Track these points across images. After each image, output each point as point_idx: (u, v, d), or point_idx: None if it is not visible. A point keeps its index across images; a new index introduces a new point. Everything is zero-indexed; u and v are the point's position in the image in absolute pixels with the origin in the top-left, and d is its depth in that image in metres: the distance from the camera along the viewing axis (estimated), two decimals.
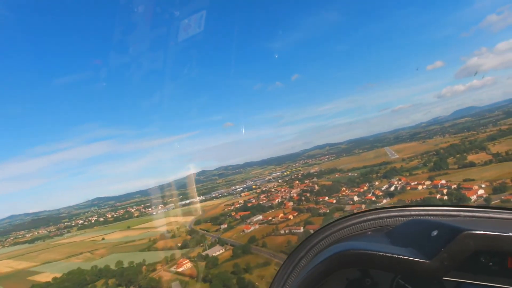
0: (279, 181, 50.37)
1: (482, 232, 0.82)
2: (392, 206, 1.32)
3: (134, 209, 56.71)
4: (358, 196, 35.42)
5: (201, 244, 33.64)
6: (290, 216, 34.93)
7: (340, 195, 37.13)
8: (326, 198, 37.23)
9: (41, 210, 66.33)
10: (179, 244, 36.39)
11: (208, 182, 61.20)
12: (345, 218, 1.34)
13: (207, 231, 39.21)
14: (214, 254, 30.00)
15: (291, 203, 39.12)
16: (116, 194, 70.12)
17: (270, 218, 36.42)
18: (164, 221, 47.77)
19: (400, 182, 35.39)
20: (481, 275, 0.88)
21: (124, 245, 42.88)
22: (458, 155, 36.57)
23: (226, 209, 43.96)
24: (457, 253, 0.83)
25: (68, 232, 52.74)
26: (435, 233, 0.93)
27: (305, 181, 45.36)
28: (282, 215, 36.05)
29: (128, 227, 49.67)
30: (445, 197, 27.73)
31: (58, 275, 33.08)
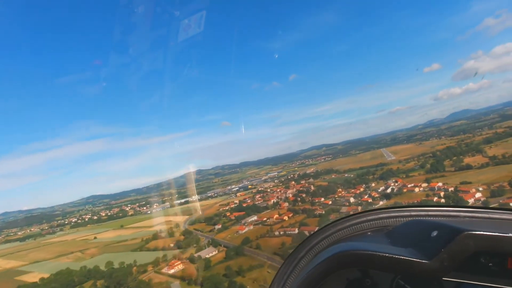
0: (275, 181, 50.09)
1: (482, 232, 0.82)
2: (392, 206, 1.29)
3: (129, 207, 56.13)
4: (354, 197, 35.10)
5: (194, 245, 33.04)
6: (285, 217, 34.50)
7: (336, 196, 36.80)
8: (322, 199, 36.87)
9: (35, 207, 65.45)
10: (172, 245, 35.74)
11: (204, 181, 60.69)
12: (345, 219, 1.32)
13: (201, 231, 38.63)
14: (207, 256, 29.38)
15: (286, 204, 38.73)
16: (111, 192, 69.22)
17: (265, 219, 35.94)
18: (158, 220, 47.08)
19: (396, 184, 35.15)
20: (481, 275, 0.88)
21: (116, 244, 42.17)
22: (454, 158, 36.54)
23: (221, 209, 43.45)
24: (457, 253, 0.83)
25: (61, 230, 51.90)
26: (435, 233, 0.92)
27: (301, 182, 45.07)
28: (277, 216, 35.62)
29: (121, 226, 48.97)
30: (442, 200, 27.49)
31: (46, 275, 32.15)
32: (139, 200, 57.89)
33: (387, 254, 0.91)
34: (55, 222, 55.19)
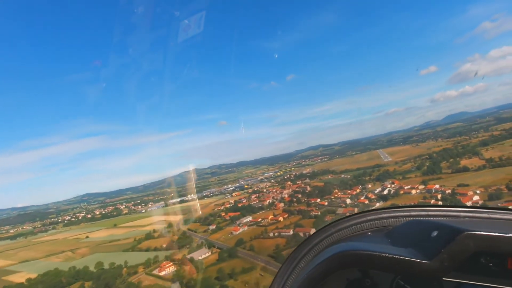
0: (272, 181, 49.66)
1: (482, 232, 0.82)
2: (392, 206, 1.29)
3: (124, 206, 55.44)
4: (350, 198, 34.69)
5: (187, 246, 32.37)
6: (280, 218, 34.00)
7: (332, 197, 36.41)
8: (318, 200, 36.42)
9: (29, 204, 64.31)
10: (165, 245, 35.03)
11: (200, 181, 60.06)
12: (345, 219, 1.33)
13: (195, 231, 37.99)
14: (200, 258, 28.68)
15: (282, 205, 38.25)
16: (107, 190, 68.31)
17: (260, 219, 35.38)
18: (152, 219, 46.37)
19: (393, 186, 34.84)
20: (481, 276, 0.89)
21: (108, 244, 41.41)
22: (451, 160, 36.41)
23: (216, 209, 42.86)
24: (457, 253, 0.83)
25: (53, 228, 50.99)
26: (435, 233, 0.93)
27: (297, 182, 44.69)
28: (272, 216, 35.09)
29: (115, 225, 48.22)
30: (440, 203, 27.14)
31: (34, 275, 31.20)
32: (135, 198, 57.38)
33: (387, 254, 0.91)
34: (48, 220, 54.36)
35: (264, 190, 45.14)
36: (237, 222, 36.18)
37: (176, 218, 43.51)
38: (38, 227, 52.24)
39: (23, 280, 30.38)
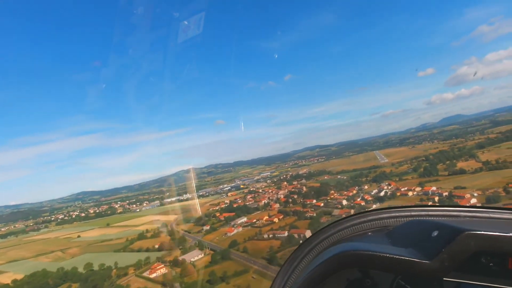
0: (268, 181, 49.18)
1: (482, 232, 0.82)
2: (392, 206, 1.30)
3: (118, 205, 54.70)
4: (346, 200, 34.27)
5: (180, 247, 31.62)
6: (275, 219, 33.43)
7: (329, 198, 35.98)
8: (314, 201, 35.97)
9: (23, 202, 63.25)
10: (157, 246, 34.23)
11: (196, 180, 59.44)
12: (345, 219, 1.32)
13: (189, 232, 37.28)
14: (192, 260, 27.94)
15: (277, 205, 37.71)
16: (103, 188, 67.52)
17: (255, 220, 34.77)
18: (146, 219, 45.56)
19: (390, 187, 34.55)
20: (481, 275, 0.88)
21: (99, 244, 40.54)
22: (448, 162, 36.28)
23: (211, 209, 42.24)
24: (457, 253, 0.83)
25: (46, 227, 49.94)
26: (435, 233, 0.93)
27: (294, 183, 44.23)
28: (267, 217, 34.50)
29: (108, 225, 47.31)
30: None
31: (20, 276, 30.19)
32: (130, 197, 56.73)
33: (387, 254, 0.91)
34: (41, 218, 53.36)
35: (260, 190, 44.67)
36: (232, 223, 35.57)
37: (171, 218, 42.78)
38: (30, 225, 51.26)
39: (9, 281, 29.39)
